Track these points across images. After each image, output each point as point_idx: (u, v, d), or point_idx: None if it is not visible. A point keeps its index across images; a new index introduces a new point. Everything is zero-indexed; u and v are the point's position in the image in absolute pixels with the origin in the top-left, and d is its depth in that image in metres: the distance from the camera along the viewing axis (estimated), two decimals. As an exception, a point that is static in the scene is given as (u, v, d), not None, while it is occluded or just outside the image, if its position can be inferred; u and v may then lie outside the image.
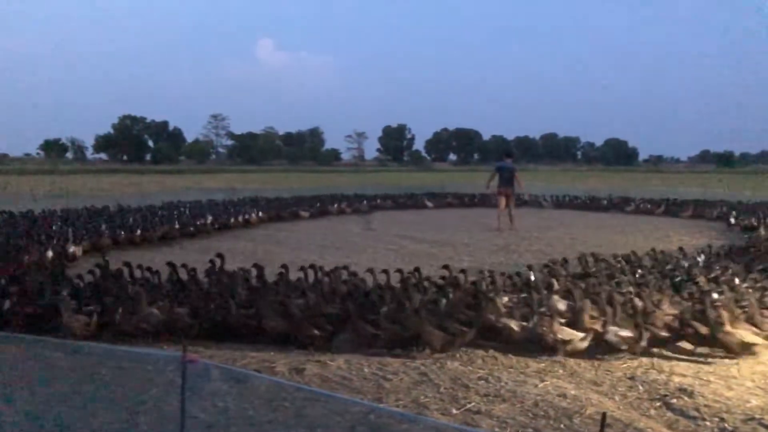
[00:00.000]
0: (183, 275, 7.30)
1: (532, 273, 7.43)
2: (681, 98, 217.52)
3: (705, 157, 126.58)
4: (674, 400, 4.34)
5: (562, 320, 5.70)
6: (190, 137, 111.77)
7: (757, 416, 4.08)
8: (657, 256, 8.96)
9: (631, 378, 4.83)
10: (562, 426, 3.76)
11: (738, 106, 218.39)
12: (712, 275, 7.43)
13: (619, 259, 8.55)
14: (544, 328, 5.46)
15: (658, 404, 4.32)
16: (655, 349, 5.59)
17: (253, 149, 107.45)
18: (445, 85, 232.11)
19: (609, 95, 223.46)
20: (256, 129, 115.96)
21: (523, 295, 6.37)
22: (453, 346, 5.43)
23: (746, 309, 5.92)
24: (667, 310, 5.95)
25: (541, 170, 79.31)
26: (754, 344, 5.47)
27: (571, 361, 5.25)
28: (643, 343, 5.44)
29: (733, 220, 16.74)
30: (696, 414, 4.13)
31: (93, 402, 4.04)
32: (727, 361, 5.36)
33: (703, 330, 5.51)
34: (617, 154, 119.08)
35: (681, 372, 5.02)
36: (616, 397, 4.44)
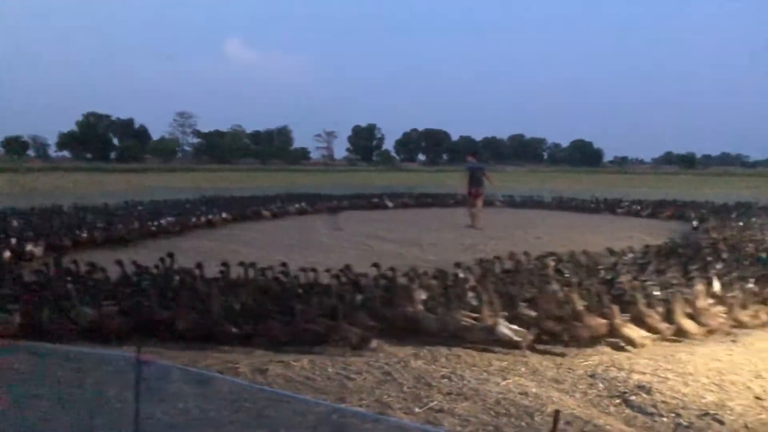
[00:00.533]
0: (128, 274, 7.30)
1: (460, 270, 7.68)
2: (645, 100, 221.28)
3: (668, 158, 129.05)
4: (633, 397, 4.43)
5: (474, 314, 5.94)
6: (156, 135, 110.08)
7: (712, 411, 4.18)
8: (585, 255, 9.25)
9: (592, 376, 4.90)
10: (523, 424, 3.80)
11: (700, 108, 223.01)
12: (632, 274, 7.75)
13: (554, 257, 8.96)
14: (452, 320, 5.69)
15: (617, 401, 4.40)
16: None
17: (221, 148, 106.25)
18: (414, 85, 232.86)
19: (575, 96, 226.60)
20: (224, 127, 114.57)
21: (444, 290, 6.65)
22: (369, 342, 5.56)
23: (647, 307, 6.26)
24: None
25: (509, 171, 79.96)
26: (635, 339, 5.83)
27: (534, 360, 5.32)
28: (530, 337, 5.65)
29: (695, 223, 17.04)
30: (653, 410, 4.22)
31: (51, 405, 3.97)
32: (684, 358, 5.48)
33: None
34: (583, 155, 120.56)
35: (640, 369, 5.10)
36: (577, 395, 4.51)
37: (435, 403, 4.05)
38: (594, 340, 5.87)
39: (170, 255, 7.94)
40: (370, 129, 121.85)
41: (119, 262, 7.47)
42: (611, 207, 22.38)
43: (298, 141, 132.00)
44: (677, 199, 24.09)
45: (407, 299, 6.15)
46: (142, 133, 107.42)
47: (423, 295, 6.41)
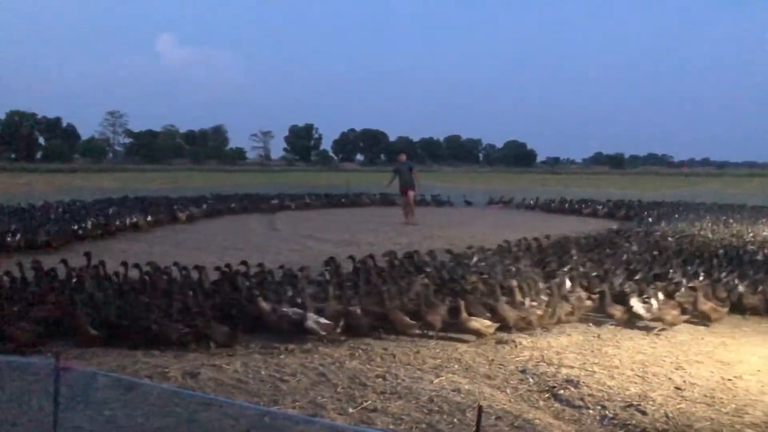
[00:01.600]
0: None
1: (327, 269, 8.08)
2: (576, 102, 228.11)
3: (598, 158, 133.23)
4: (561, 391, 4.55)
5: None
6: (85, 135, 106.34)
7: (635, 403, 4.35)
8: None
9: (523, 371, 5.02)
10: (455, 420, 3.86)
11: (628, 110, 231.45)
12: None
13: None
14: (293, 314, 5.89)
15: (546, 396, 4.52)
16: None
17: (153, 148, 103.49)
18: (352, 85, 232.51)
19: (509, 98, 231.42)
20: (156, 127, 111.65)
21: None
22: (236, 339, 5.65)
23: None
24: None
25: (445, 171, 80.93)
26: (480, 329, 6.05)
27: (467, 356, 5.39)
28: (338, 330, 5.88)
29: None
30: (581, 403, 4.35)
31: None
32: (611, 351, 5.67)
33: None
34: (517, 156, 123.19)
35: (569, 364, 5.26)
36: (508, 390, 4.60)
37: (369, 402, 4.07)
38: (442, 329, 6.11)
39: (86, 254, 7.91)
40: (308, 129, 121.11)
41: (19, 264, 7.32)
42: (577, 209, 22.18)
43: (234, 141, 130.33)
44: (611, 198, 24.79)
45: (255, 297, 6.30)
46: (70, 133, 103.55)
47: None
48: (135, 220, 14.65)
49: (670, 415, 4.18)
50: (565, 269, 8.18)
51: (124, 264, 7.48)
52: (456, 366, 5.13)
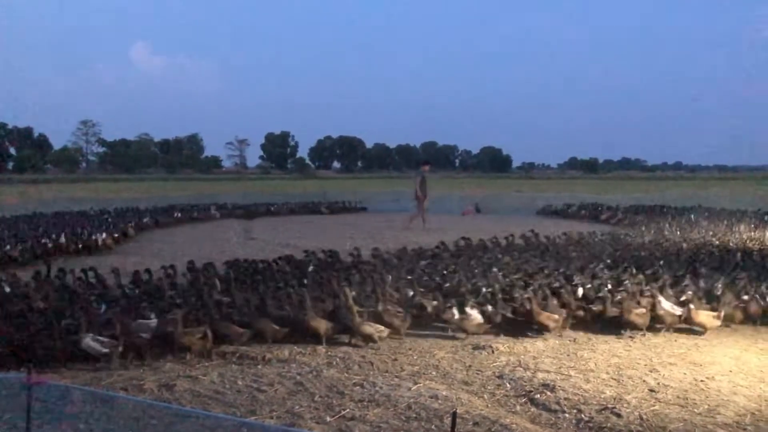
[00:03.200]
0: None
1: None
2: (551, 108, 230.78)
3: (573, 163, 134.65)
4: (538, 396, 4.59)
5: None
6: (57, 145, 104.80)
7: (610, 405, 4.40)
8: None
9: (500, 376, 5.05)
10: (433, 427, 3.87)
11: (602, 116, 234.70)
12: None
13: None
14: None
15: (523, 400, 4.55)
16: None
17: (127, 157, 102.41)
18: (328, 92, 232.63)
19: (484, 104, 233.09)
20: (130, 136, 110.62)
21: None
22: (114, 355, 5.36)
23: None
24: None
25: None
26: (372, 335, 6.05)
27: (445, 363, 5.42)
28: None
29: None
30: (557, 407, 4.39)
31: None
32: (586, 355, 5.73)
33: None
34: (492, 162, 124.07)
35: (545, 368, 5.30)
36: (485, 396, 4.63)
37: (347, 411, 4.06)
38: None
39: (45, 262, 8.03)
40: (284, 136, 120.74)
41: None
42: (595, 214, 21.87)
43: (210, 149, 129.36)
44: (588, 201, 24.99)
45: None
46: (43, 142, 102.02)
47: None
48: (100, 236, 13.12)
49: (645, 417, 4.23)
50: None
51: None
52: (434, 372, 5.15)
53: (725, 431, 4.09)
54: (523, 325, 6.58)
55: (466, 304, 6.45)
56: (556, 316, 6.48)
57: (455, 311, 6.36)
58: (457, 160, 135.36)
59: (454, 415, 1.97)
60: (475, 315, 6.40)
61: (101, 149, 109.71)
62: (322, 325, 6.03)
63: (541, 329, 6.49)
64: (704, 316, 6.60)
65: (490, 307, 6.60)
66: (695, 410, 4.41)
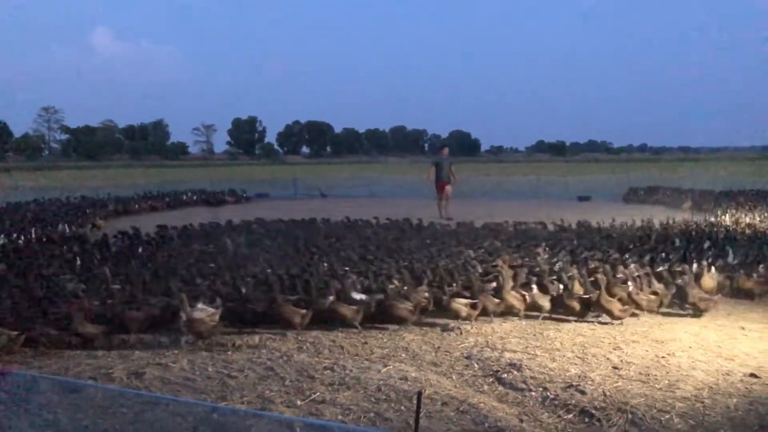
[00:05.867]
0: None
1: None
2: (518, 91, 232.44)
3: (540, 146, 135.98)
4: (505, 375, 4.68)
5: None
6: (18, 132, 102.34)
7: (575, 383, 4.51)
8: None
9: (468, 357, 5.14)
10: (402, 408, 3.93)
11: (568, 98, 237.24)
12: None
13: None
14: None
15: (491, 380, 4.64)
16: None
17: (91, 144, 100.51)
18: (296, 76, 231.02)
19: (452, 88, 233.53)
20: (94, 122, 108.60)
21: None
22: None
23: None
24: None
25: (391, 162, 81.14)
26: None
27: (414, 345, 5.50)
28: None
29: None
30: (523, 386, 4.49)
31: None
32: (552, 335, 5.86)
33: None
34: (461, 145, 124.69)
35: (512, 348, 5.41)
36: (454, 376, 4.71)
37: (317, 394, 4.10)
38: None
39: None
40: (251, 122, 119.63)
41: None
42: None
43: (176, 135, 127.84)
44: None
45: None
46: (3, 129, 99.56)
47: None
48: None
49: (608, 393, 4.35)
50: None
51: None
52: (403, 355, 5.22)
53: (684, 404, 4.23)
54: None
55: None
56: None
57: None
58: (426, 145, 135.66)
59: (419, 395, 2.02)
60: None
61: (64, 136, 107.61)
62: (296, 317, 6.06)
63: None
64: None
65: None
66: (656, 386, 4.55)
